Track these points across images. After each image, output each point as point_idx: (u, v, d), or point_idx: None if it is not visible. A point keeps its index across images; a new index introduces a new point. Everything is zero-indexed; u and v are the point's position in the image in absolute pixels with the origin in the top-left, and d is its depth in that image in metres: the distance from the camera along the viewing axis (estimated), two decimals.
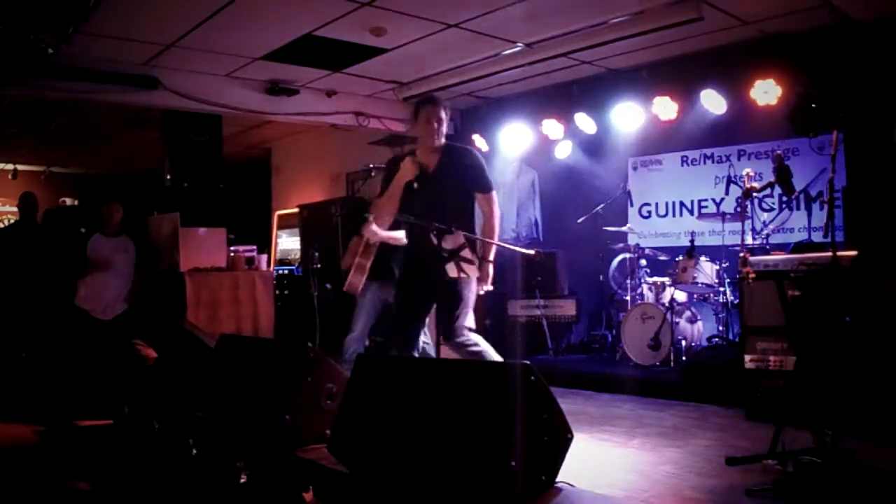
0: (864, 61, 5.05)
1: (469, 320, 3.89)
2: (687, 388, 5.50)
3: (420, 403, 2.51)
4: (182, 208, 6.93)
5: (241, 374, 3.51)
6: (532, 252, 4.42)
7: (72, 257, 5.97)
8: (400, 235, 4.26)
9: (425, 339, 4.85)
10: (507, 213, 7.55)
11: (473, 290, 3.87)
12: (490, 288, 3.95)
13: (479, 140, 7.38)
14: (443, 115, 3.89)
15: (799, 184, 4.87)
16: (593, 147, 7.15)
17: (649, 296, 6.43)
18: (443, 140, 3.96)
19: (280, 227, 10.35)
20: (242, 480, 3.21)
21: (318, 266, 8.67)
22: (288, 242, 10.07)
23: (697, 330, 6.18)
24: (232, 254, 7.07)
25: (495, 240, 3.93)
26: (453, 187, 3.91)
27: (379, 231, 4.26)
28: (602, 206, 6.78)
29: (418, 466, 2.39)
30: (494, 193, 3.97)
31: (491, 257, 3.93)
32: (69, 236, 6.13)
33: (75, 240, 4.88)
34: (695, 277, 5.85)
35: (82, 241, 6.11)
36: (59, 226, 6.32)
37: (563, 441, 2.30)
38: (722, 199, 6.32)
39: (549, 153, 7.31)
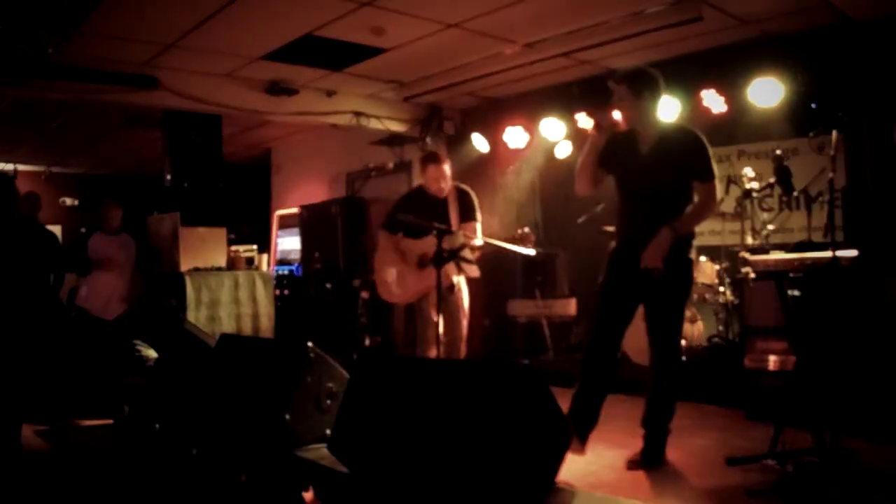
0: (864, 61, 5.05)
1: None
2: (687, 388, 5.49)
3: (420, 403, 2.51)
4: (182, 208, 6.93)
5: (241, 373, 3.51)
6: (531, 251, 4.40)
7: (73, 257, 5.96)
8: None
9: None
10: (508, 213, 7.56)
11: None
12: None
13: (478, 140, 7.38)
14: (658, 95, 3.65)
15: (799, 184, 4.87)
16: None
17: None
18: (659, 121, 3.71)
19: (280, 227, 10.35)
20: (242, 480, 3.21)
21: (319, 266, 8.68)
22: (288, 242, 10.07)
23: (697, 330, 6.17)
24: (232, 254, 7.07)
25: (693, 225, 3.59)
26: (666, 173, 3.56)
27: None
28: (602, 205, 6.76)
29: (418, 466, 2.39)
30: (715, 183, 3.56)
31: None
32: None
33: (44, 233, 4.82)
34: (695, 277, 5.85)
35: (82, 240, 6.10)
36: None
37: (563, 441, 2.30)
38: (722, 199, 6.31)
39: (549, 153, 7.31)
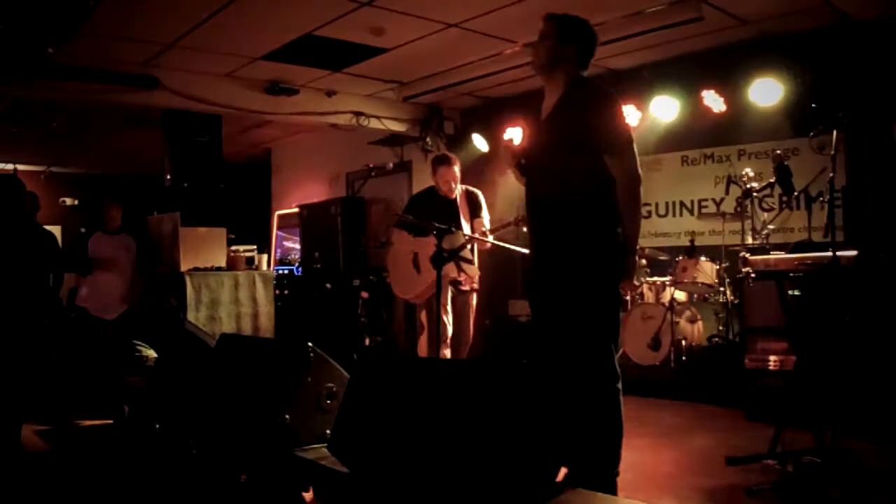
0: (864, 61, 5.05)
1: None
2: (687, 388, 5.50)
3: (421, 403, 2.51)
4: (182, 208, 6.93)
5: (241, 373, 3.51)
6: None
7: (74, 257, 5.96)
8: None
9: None
10: (508, 212, 7.56)
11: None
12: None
13: (478, 140, 7.37)
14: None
15: (799, 184, 4.87)
16: None
17: (649, 296, 6.42)
18: (579, 74, 2.89)
19: (280, 227, 10.36)
20: (242, 480, 3.21)
21: (319, 266, 8.68)
22: (288, 242, 10.08)
23: (697, 330, 6.18)
24: (232, 254, 7.07)
25: (630, 220, 2.78)
26: (562, 140, 2.78)
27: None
28: None
29: (419, 466, 2.38)
30: (628, 156, 2.73)
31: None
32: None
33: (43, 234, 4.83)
34: (695, 277, 5.85)
35: (82, 240, 6.10)
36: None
37: (563, 441, 2.30)
38: (722, 199, 6.32)
39: None
